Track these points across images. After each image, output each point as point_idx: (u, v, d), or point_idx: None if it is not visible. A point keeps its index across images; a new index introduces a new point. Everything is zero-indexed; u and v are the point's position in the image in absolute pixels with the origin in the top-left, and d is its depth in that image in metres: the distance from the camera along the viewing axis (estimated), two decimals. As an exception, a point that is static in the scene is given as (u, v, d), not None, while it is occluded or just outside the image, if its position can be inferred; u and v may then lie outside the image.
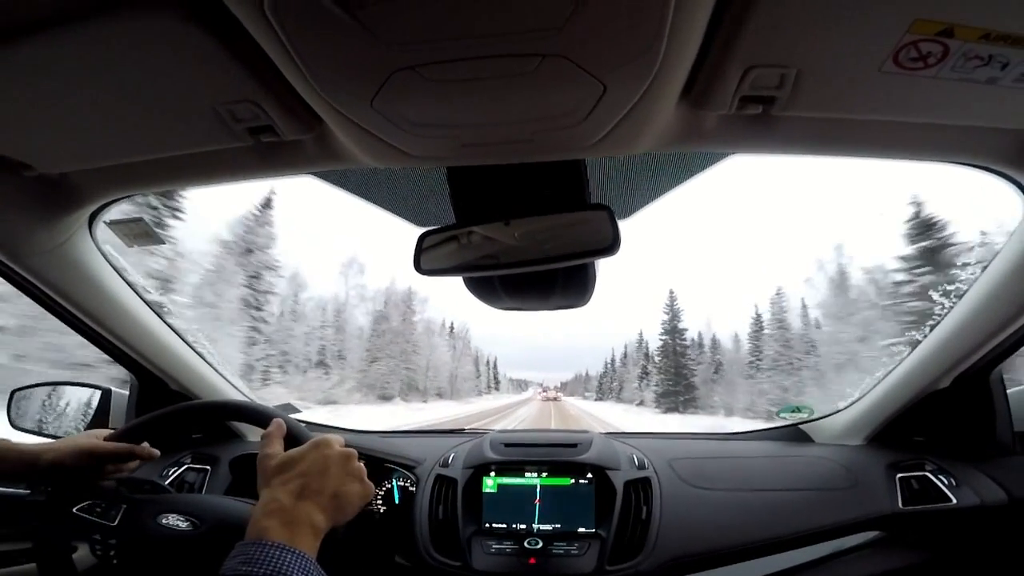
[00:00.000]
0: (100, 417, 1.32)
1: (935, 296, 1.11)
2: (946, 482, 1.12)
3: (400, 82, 0.56)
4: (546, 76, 0.55)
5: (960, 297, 1.04)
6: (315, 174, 0.90)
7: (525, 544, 1.14)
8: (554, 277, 0.90)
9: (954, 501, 1.08)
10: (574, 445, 1.27)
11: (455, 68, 0.54)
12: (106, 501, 0.88)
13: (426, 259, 0.86)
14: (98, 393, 1.34)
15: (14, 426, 1.26)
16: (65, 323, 1.11)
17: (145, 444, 0.93)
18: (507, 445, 1.29)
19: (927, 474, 1.15)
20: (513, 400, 46.77)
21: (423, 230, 0.86)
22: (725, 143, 0.76)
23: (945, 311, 1.09)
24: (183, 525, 0.86)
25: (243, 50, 0.56)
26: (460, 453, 1.29)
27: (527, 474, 1.23)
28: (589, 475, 1.21)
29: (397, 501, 1.27)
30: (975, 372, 1.12)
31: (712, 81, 0.61)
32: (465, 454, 1.28)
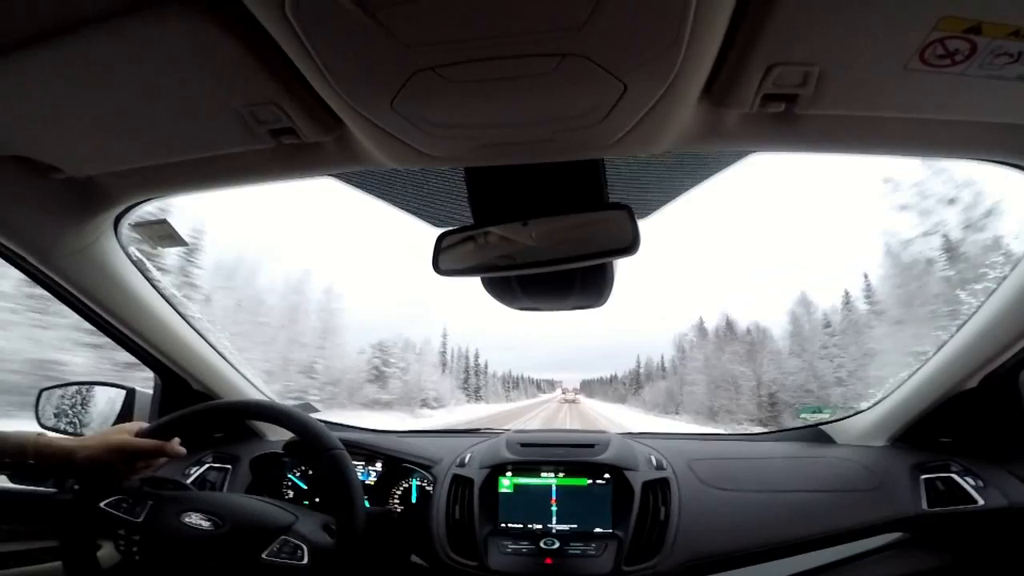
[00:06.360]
0: (124, 416, 1.34)
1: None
2: (972, 483, 1.09)
3: (420, 83, 0.56)
4: (566, 76, 0.55)
5: (989, 295, 1.01)
6: (334, 176, 0.91)
7: (541, 544, 1.13)
8: (572, 277, 0.90)
9: (980, 502, 1.05)
10: (591, 445, 1.26)
11: (475, 69, 0.54)
12: (132, 497, 0.90)
13: (444, 259, 0.86)
14: (123, 393, 1.37)
15: (41, 425, 1.28)
16: (91, 323, 1.13)
17: (176, 440, 0.95)
18: (523, 445, 1.29)
19: (953, 475, 1.11)
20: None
21: (441, 231, 0.86)
22: (747, 141, 0.75)
23: (973, 309, 1.06)
24: (206, 524, 0.87)
25: (264, 52, 0.57)
26: (476, 453, 1.29)
27: (543, 474, 1.23)
28: (606, 475, 1.20)
29: (414, 500, 1.27)
30: (1004, 372, 1.09)
31: (734, 79, 0.60)
32: (482, 454, 1.28)
